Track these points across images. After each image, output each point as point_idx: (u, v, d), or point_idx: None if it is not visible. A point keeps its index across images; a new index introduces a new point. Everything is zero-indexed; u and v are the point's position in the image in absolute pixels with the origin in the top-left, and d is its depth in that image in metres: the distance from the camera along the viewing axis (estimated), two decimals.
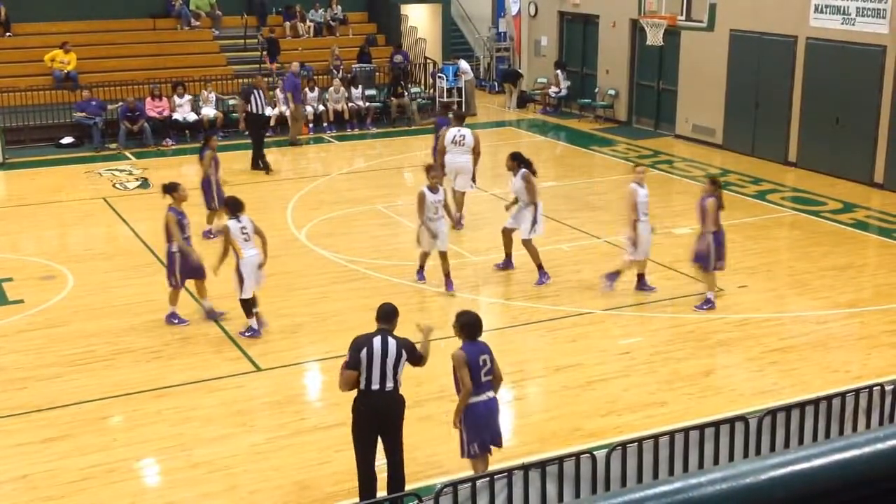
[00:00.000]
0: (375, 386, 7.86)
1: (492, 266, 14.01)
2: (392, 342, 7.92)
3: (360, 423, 8.03)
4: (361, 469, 8.10)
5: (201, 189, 15.18)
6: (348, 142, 23.24)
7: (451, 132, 15.82)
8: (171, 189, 12.31)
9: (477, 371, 7.87)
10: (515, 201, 13.48)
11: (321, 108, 23.86)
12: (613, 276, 12.97)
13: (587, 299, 12.90)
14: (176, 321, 12.05)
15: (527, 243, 13.36)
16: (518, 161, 13.38)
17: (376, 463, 8.10)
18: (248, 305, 11.59)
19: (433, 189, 12.66)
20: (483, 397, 7.93)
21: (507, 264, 13.87)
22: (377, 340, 7.90)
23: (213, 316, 12.12)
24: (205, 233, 15.11)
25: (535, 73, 27.83)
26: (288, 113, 22.55)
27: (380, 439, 8.07)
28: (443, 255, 12.88)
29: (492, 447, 8.16)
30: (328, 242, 15.26)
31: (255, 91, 19.79)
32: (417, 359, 8.12)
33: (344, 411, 9.87)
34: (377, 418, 8.00)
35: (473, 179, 15.99)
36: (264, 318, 11.78)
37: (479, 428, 7.98)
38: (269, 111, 21.54)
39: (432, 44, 28.16)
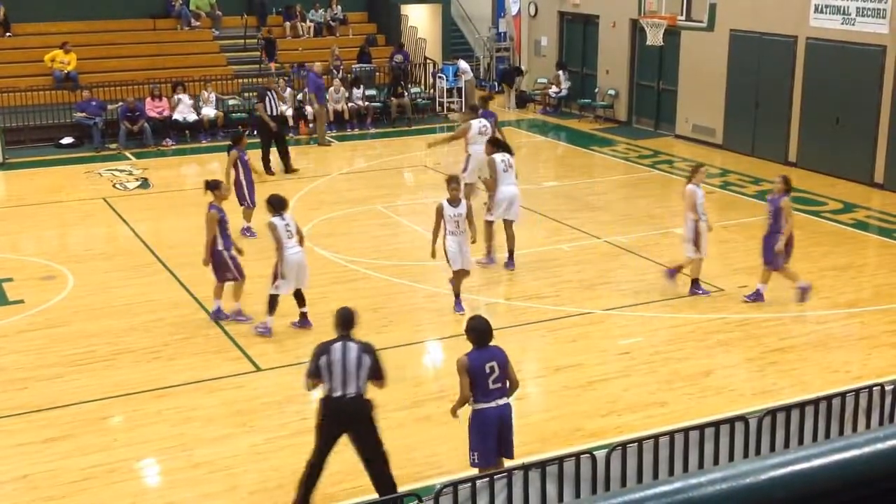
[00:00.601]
0: (338, 392, 7.81)
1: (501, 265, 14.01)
2: (353, 347, 7.84)
3: (323, 425, 8.04)
4: (313, 458, 8.01)
5: (234, 187, 15.11)
6: (348, 142, 23.23)
7: (476, 124, 16.03)
8: (213, 186, 12.41)
9: (483, 378, 7.71)
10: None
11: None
12: (674, 271, 13.03)
13: (587, 299, 12.90)
14: (242, 319, 12.03)
15: (487, 224, 13.85)
16: (495, 146, 14.11)
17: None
18: (274, 302, 11.58)
19: (453, 202, 11.90)
20: (492, 404, 7.78)
21: (509, 261, 13.98)
22: (337, 347, 7.82)
23: (220, 317, 12.14)
24: (243, 230, 15.07)
25: (535, 73, 27.84)
26: (312, 113, 22.78)
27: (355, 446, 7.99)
28: (462, 273, 12.28)
29: (505, 457, 8.02)
30: (328, 242, 15.25)
31: (270, 92, 19.73)
32: (377, 371, 7.92)
33: None
34: (340, 424, 7.95)
35: None
36: (309, 320, 11.82)
37: (483, 435, 7.83)
38: (284, 109, 21.66)
39: (432, 44, 28.16)
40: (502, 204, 13.75)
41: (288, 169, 19.78)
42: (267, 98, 19.62)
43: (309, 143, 22.65)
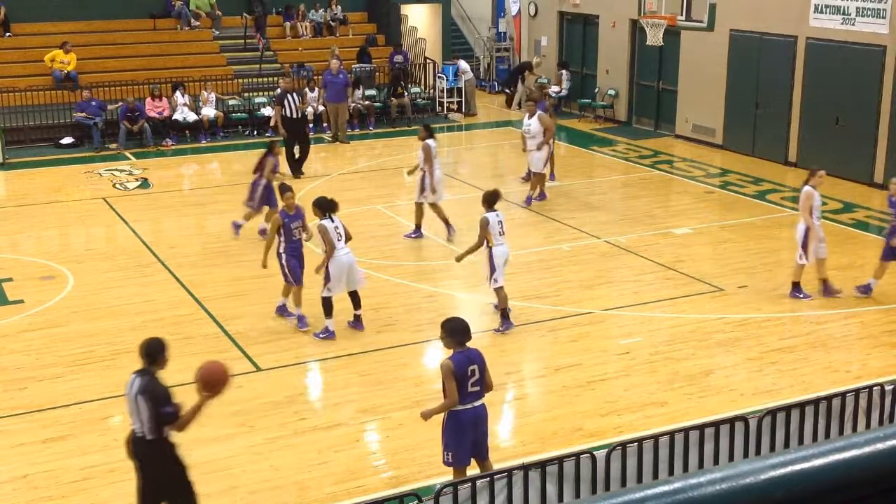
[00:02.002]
0: (132, 427, 7.33)
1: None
2: (136, 384, 7.13)
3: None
4: None
5: (251, 188, 15.10)
6: (340, 142, 23.22)
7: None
8: (282, 190, 12.32)
9: (464, 381, 7.67)
10: (416, 168, 15.46)
11: (321, 108, 23.87)
12: (827, 289, 12.92)
13: (587, 299, 12.90)
14: (302, 326, 11.84)
15: (419, 206, 15.29)
16: (428, 131, 15.35)
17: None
18: (329, 304, 11.54)
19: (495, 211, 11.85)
20: (468, 406, 7.76)
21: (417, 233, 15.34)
22: (130, 379, 7.26)
23: (284, 313, 12.18)
24: (260, 230, 15.08)
25: (536, 72, 27.79)
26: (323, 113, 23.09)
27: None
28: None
29: (478, 458, 7.98)
30: None
31: (290, 95, 19.52)
32: (164, 416, 7.10)
33: (344, 411, 9.91)
34: (135, 462, 7.45)
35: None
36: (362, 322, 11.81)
37: (459, 436, 7.81)
38: (307, 111, 21.75)
39: (432, 44, 28.16)
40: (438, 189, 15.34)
41: (296, 173, 19.62)
42: (286, 101, 19.43)
43: (333, 141, 22.68)
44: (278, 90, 20.37)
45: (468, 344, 7.85)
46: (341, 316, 11.81)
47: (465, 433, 7.79)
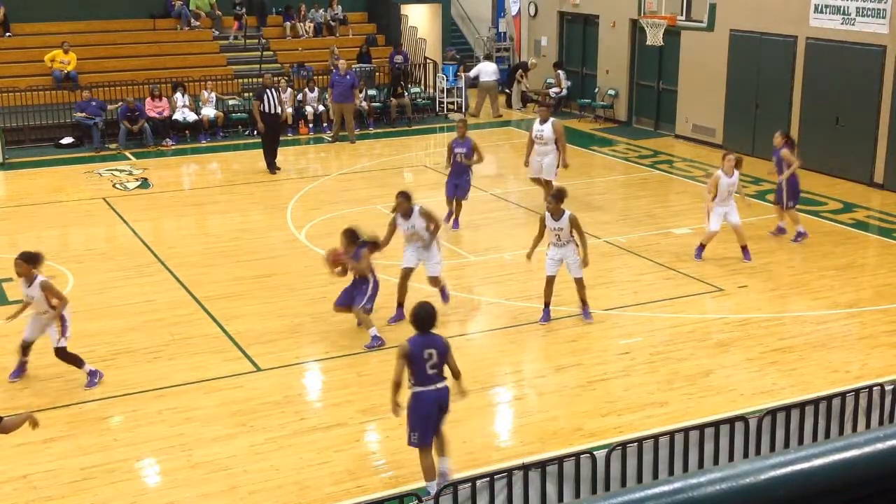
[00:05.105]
0: None
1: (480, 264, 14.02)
2: None
3: None
4: None
5: None
6: (349, 142, 23.21)
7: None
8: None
9: (421, 363, 7.98)
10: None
11: (321, 108, 23.88)
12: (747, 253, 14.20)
13: (587, 299, 12.88)
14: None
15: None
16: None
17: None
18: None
19: (554, 215, 11.71)
20: (431, 388, 8.05)
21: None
22: None
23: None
24: None
25: (536, 73, 27.79)
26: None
27: None
28: (578, 282, 12.01)
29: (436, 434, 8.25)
30: (328, 242, 15.22)
31: (269, 91, 19.76)
32: None
33: (344, 411, 9.91)
34: None
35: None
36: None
37: (423, 416, 8.07)
38: (287, 109, 21.74)
39: (432, 44, 28.15)
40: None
41: (272, 168, 19.79)
42: (265, 96, 19.67)
43: (333, 141, 22.72)
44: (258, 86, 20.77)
45: (434, 332, 8.16)
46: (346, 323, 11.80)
47: (428, 414, 8.08)
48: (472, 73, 26.33)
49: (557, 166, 16.75)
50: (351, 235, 11.66)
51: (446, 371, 8.21)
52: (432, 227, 11.94)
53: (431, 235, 11.96)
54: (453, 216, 15.87)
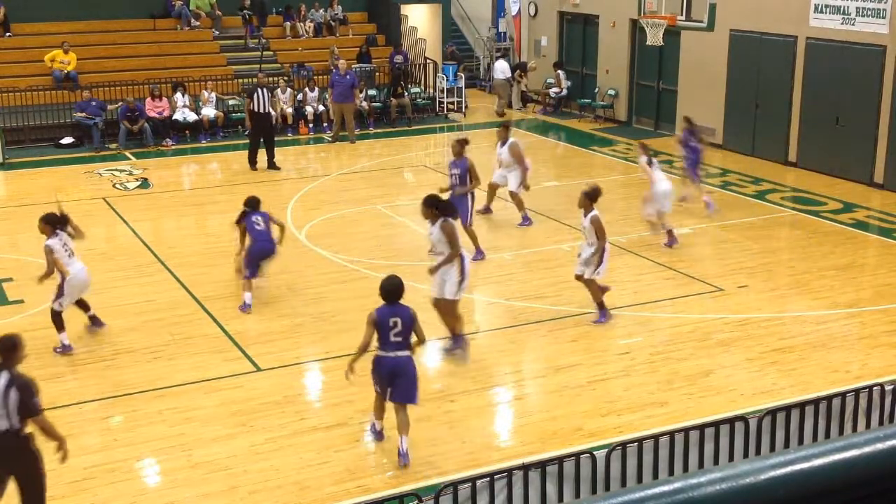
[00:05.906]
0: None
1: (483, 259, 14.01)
2: (3, 379, 7.29)
3: None
4: None
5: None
6: (349, 142, 23.21)
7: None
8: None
9: (385, 330, 8.67)
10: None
11: (321, 108, 23.88)
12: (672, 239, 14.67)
13: (587, 299, 12.88)
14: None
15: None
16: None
17: None
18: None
19: (585, 211, 12.13)
20: (390, 354, 8.72)
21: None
22: None
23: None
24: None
25: (535, 73, 27.80)
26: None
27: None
28: (577, 278, 12.16)
29: (391, 400, 8.88)
30: (328, 242, 15.26)
31: (260, 90, 19.83)
32: (27, 408, 7.35)
33: (344, 411, 9.91)
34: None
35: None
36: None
37: (377, 376, 8.84)
38: (284, 108, 21.74)
39: (432, 44, 28.15)
40: None
41: (252, 165, 20.07)
42: (255, 95, 19.78)
43: (333, 141, 22.74)
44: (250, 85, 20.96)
45: (402, 303, 8.82)
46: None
47: (382, 375, 8.79)
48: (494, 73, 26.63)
49: (520, 184, 15.89)
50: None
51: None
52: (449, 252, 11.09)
53: (444, 260, 11.17)
54: (475, 246, 14.33)
